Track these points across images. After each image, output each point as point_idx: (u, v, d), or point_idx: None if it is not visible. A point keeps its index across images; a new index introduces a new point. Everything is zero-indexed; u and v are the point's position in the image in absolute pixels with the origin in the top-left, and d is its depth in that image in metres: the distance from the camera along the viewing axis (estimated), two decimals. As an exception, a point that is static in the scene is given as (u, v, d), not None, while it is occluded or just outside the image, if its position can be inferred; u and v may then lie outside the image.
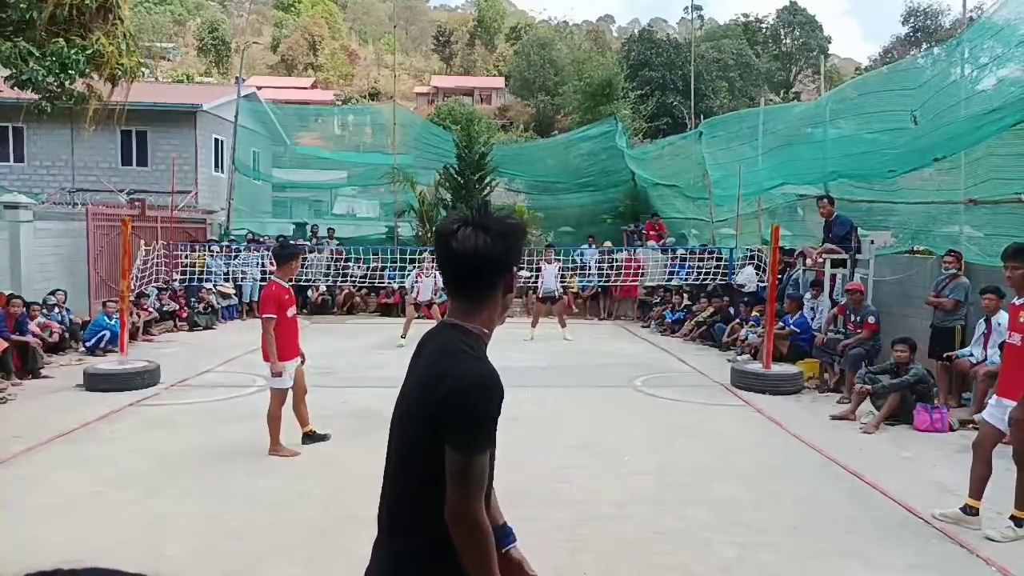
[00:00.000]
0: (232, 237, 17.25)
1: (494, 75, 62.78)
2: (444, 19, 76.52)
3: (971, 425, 7.21)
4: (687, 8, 79.44)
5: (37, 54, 9.27)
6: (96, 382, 8.49)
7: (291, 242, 13.39)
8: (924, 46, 39.77)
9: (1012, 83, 8.31)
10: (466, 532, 1.76)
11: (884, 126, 10.98)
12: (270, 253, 9.87)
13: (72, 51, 9.51)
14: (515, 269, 2.00)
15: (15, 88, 9.86)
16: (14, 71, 9.37)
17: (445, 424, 1.77)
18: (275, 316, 6.11)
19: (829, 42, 60.55)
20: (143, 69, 12.26)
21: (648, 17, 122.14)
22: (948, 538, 4.64)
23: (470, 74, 65.16)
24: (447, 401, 1.77)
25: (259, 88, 27.05)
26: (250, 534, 4.61)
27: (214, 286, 14.59)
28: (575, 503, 5.18)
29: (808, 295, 10.59)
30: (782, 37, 59.94)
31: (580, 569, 4.20)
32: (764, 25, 60.33)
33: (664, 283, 15.22)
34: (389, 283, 15.61)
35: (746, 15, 60.78)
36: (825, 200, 10.36)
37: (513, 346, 12.27)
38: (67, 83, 9.96)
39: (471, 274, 1.90)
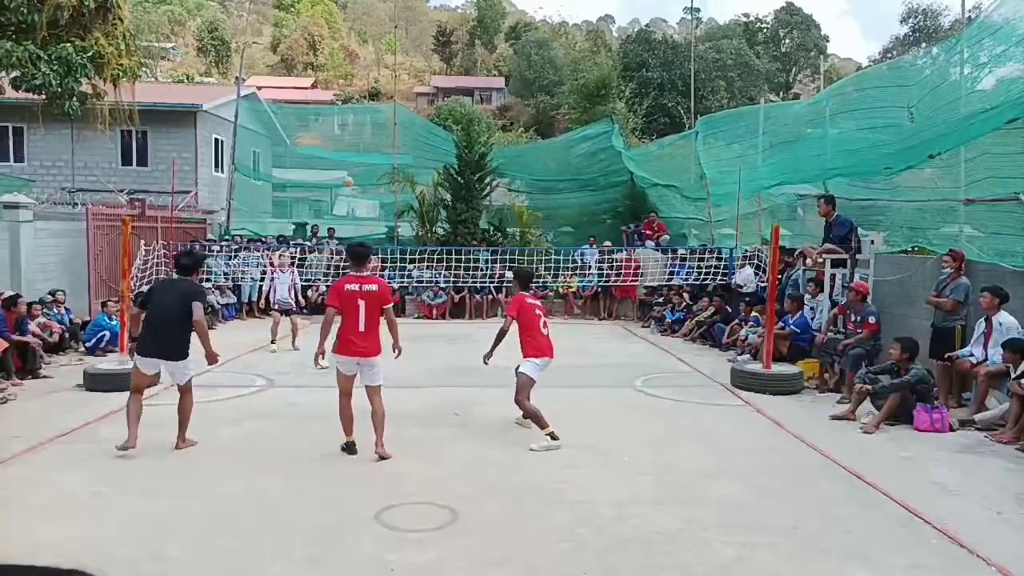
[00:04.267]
0: (227, 238, 17.26)
1: (494, 75, 62.80)
2: (444, 19, 76.50)
3: (972, 426, 7.22)
4: (686, 8, 79.47)
5: (45, 57, 9.29)
6: (96, 382, 8.48)
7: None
8: (923, 46, 39.79)
9: (1011, 82, 8.30)
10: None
11: (882, 123, 10.97)
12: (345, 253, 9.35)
13: (76, 54, 9.53)
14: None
15: (28, 91, 9.87)
16: (24, 73, 9.37)
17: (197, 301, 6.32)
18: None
19: (827, 41, 60.65)
20: (143, 69, 12.27)
21: (648, 17, 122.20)
22: (948, 538, 4.64)
23: (470, 74, 65.15)
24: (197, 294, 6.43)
25: (259, 88, 27.04)
26: (250, 534, 4.62)
27: (214, 286, 14.60)
28: (575, 503, 5.18)
29: (807, 295, 10.59)
30: (781, 37, 59.97)
31: (580, 569, 4.20)
32: (764, 25, 60.35)
33: (665, 283, 15.23)
34: (389, 283, 15.60)
35: (746, 15, 60.86)
36: (823, 200, 10.34)
37: (513, 346, 12.26)
38: (75, 85, 9.98)
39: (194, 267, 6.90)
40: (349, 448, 6.32)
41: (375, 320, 6.19)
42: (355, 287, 6.16)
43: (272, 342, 11.49)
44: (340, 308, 6.16)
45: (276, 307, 11.64)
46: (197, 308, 6.27)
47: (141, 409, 6.34)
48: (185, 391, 6.45)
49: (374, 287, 6.23)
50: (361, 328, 6.15)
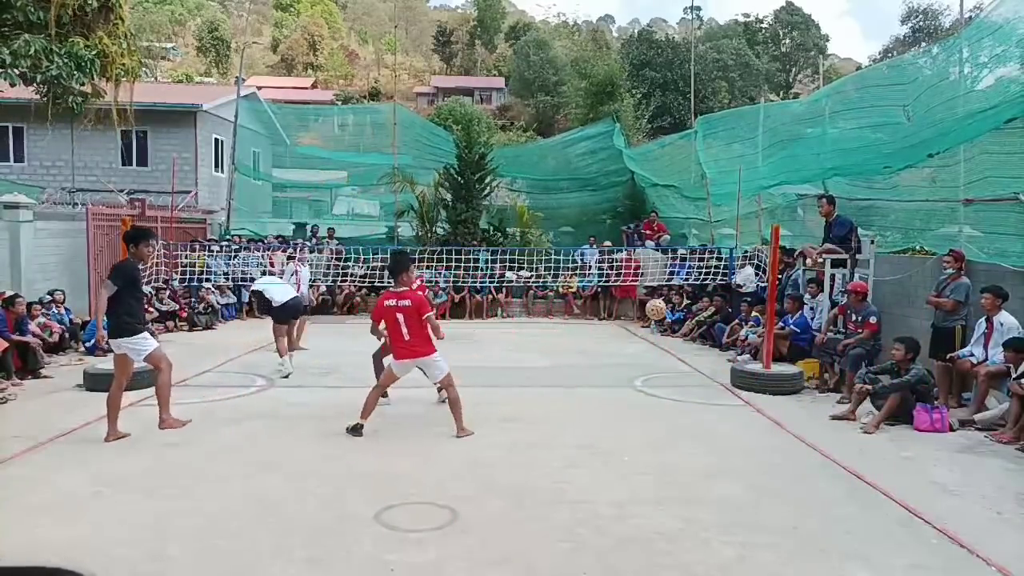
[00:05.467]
0: (227, 238, 17.27)
1: (494, 75, 62.81)
2: (444, 19, 76.52)
3: (972, 426, 7.22)
4: (687, 8, 79.50)
5: (57, 50, 9.27)
6: (96, 382, 8.47)
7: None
8: (923, 45, 39.80)
9: (1011, 81, 8.30)
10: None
11: (881, 122, 10.96)
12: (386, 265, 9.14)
13: (86, 51, 9.52)
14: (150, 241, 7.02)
15: (41, 84, 9.83)
16: (37, 65, 9.32)
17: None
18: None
19: (827, 41, 60.71)
20: (143, 69, 12.22)
21: (648, 17, 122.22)
22: (948, 538, 4.64)
23: (470, 74, 65.16)
24: (111, 269, 6.84)
25: (259, 88, 27.05)
26: (250, 534, 4.61)
27: (214, 286, 14.61)
28: (575, 503, 5.18)
29: (807, 295, 10.58)
30: (781, 37, 60.02)
31: (580, 569, 4.20)
32: (763, 25, 60.40)
33: (665, 283, 15.24)
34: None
35: (746, 15, 60.92)
36: (824, 200, 10.34)
37: (513, 346, 12.29)
38: (83, 83, 9.97)
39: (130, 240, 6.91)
40: (355, 430, 6.65)
41: (417, 327, 6.67)
42: (392, 303, 6.72)
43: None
44: (382, 320, 6.88)
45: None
46: (105, 283, 6.57)
47: (117, 399, 6.67)
48: (156, 368, 6.75)
49: (407, 302, 6.67)
50: (406, 338, 6.69)
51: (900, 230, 10.78)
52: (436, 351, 6.79)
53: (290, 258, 13.35)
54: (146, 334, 6.76)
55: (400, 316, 6.64)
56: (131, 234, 7.02)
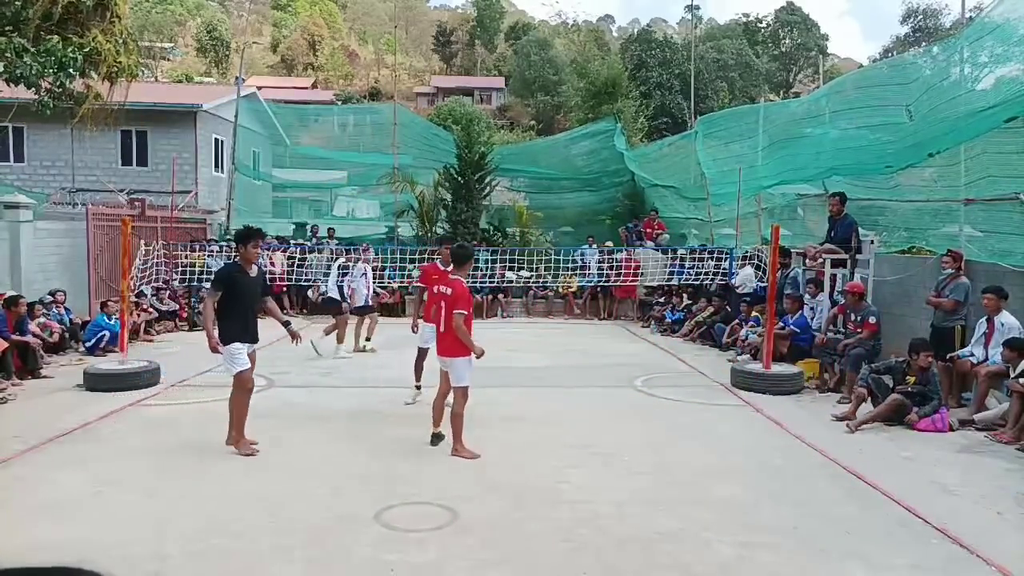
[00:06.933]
0: (227, 238, 17.26)
1: (494, 75, 62.84)
2: (444, 19, 76.54)
3: (972, 426, 7.22)
4: (687, 8, 79.50)
5: (32, 50, 9.20)
6: (96, 382, 8.48)
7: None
8: (924, 45, 39.83)
9: (1011, 81, 8.30)
10: None
11: (881, 122, 10.96)
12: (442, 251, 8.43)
13: (69, 49, 9.45)
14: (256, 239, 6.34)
15: (9, 84, 9.78)
16: (8, 66, 9.28)
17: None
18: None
19: (826, 40, 60.71)
20: (142, 69, 12.17)
21: (647, 17, 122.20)
22: (948, 538, 4.64)
23: (470, 74, 65.21)
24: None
25: (259, 88, 27.04)
26: (250, 534, 4.61)
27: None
28: (575, 503, 5.18)
29: (807, 295, 10.58)
30: (781, 37, 60.04)
31: (580, 569, 4.20)
32: (763, 25, 60.42)
33: (665, 283, 15.23)
34: (389, 283, 15.61)
35: (746, 15, 60.93)
36: (836, 198, 10.29)
37: (513, 346, 12.27)
38: (67, 82, 9.90)
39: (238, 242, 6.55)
40: (432, 439, 6.45)
41: (450, 322, 6.23)
42: (439, 289, 6.46)
43: (368, 339, 11.58)
44: (430, 303, 6.78)
45: (370, 302, 11.62)
46: (207, 290, 6.54)
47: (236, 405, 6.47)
48: (234, 386, 6.40)
49: (449, 291, 6.26)
50: (441, 328, 6.32)
51: (908, 229, 10.76)
52: (467, 355, 6.19)
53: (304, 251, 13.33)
54: (238, 346, 6.23)
55: (443, 303, 6.25)
56: (239, 234, 6.56)
